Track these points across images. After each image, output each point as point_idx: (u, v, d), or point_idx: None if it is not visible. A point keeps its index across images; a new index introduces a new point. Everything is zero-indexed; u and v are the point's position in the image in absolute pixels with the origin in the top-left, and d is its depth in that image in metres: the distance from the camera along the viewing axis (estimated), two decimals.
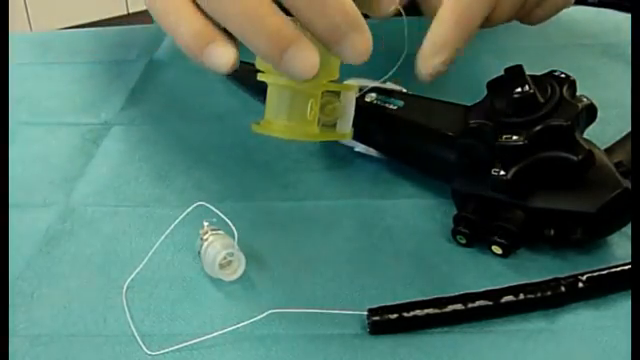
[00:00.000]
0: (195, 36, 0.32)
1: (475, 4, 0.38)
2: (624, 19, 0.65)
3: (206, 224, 0.39)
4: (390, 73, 0.42)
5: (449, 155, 0.42)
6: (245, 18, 0.30)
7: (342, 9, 0.30)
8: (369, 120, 0.45)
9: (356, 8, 0.31)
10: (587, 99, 0.39)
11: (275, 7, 0.31)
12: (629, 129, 0.41)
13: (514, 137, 0.37)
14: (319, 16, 0.30)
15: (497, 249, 0.39)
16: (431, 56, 0.39)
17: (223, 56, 0.32)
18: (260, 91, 0.44)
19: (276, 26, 0.30)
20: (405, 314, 0.35)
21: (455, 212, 0.40)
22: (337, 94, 0.43)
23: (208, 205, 0.40)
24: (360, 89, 0.43)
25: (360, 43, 0.31)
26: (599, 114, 0.40)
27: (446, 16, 0.38)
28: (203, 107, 0.56)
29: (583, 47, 0.62)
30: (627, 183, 0.37)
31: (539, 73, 0.40)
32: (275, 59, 0.31)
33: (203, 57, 0.32)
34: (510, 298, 0.35)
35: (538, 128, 0.37)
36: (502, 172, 0.37)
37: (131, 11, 2.37)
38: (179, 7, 0.32)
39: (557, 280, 0.36)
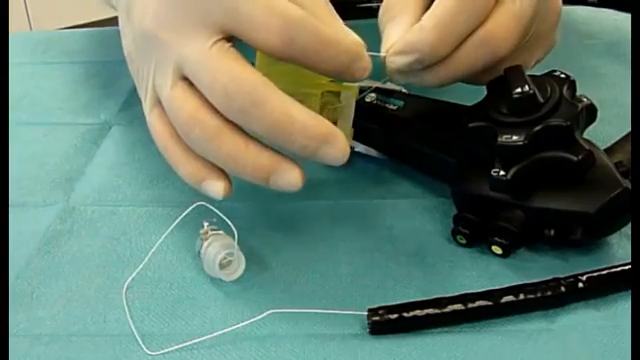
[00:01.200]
0: (190, 176, 0.37)
1: (459, 13, 0.37)
2: (624, 19, 0.65)
3: (206, 224, 0.39)
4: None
5: (449, 155, 0.42)
6: (227, 159, 0.35)
7: (305, 132, 0.34)
8: (369, 120, 0.45)
9: (321, 119, 0.34)
10: (587, 99, 0.39)
11: (250, 140, 0.35)
12: (629, 129, 0.41)
13: (514, 137, 0.37)
14: (287, 143, 0.34)
15: (497, 249, 0.39)
16: (397, 54, 0.39)
17: (215, 190, 0.37)
18: None
19: (254, 160, 0.35)
20: (405, 314, 0.35)
21: (455, 212, 0.40)
22: (337, 94, 0.43)
23: (208, 205, 0.40)
24: (360, 89, 0.43)
25: (333, 153, 0.34)
26: (599, 114, 0.40)
27: (426, 19, 0.38)
28: None
29: (583, 47, 0.61)
30: (627, 183, 0.37)
31: (539, 73, 0.40)
32: (263, 185, 0.36)
33: (201, 190, 0.38)
34: (510, 298, 0.35)
35: (538, 128, 0.37)
36: (502, 172, 0.37)
37: None
38: (174, 151, 0.37)
39: (557, 280, 0.36)
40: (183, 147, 0.37)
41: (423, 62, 0.38)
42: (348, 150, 0.35)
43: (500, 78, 0.39)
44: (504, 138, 0.37)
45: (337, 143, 0.34)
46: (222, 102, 0.34)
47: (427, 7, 0.39)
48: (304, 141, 0.34)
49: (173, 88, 0.36)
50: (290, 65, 0.41)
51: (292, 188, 0.36)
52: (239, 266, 0.38)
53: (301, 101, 0.41)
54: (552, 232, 0.38)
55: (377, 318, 0.35)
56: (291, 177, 0.35)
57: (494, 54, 0.39)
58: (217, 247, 0.38)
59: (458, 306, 0.35)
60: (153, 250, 0.40)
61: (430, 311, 0.35)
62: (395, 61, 0.39)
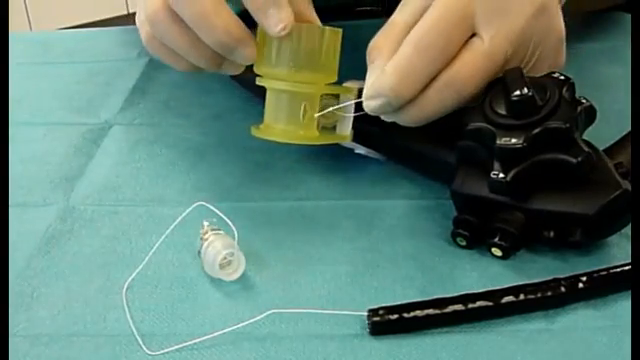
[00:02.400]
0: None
1: (416, 59, 0.38)
2: (624, 19, 0.65)
3: (206, 224, 0.39)
4: None
5: (448, 157, 0.42)
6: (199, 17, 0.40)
7: (228, 29, 0.40)
8: (369, 122, 0.45)
9: (242, 26, 0.40)
10: (586, 100, 0.39)
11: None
12: (629, 129, 0.42)
13: (513, 140, 0.37)
14: (209, 34, 0.40)
15: (497, 251, 0.39)
16: (368, 99, 0.40)
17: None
18: (260, 90, 0.44)
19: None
20: (405, 315, 0.35)
21: (455, 213, 0.40)
22: (336, 96, 0.43)
23: (208, 205, 0.40)
24: (359, 91, 0.43)
25: (245, 53, 0.41)
26: (599, 115, 0.40)
27: (388, 65, 0.39)
28: (203, 107, 0.56)
29: (583, 48, 0.62)
30: (626, 184, 0.37)
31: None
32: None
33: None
34: (510, 298, 0.35)
35: (537, 130, 0.37)
36: (501, 174, 0.37)
37: (131, 11, 2.37)
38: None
39: (557, 280, 0.36)
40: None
41: (392, 105, 0.40)
42: (254, 55, 0.41)
43: (499, 80, 0.39)
44: (503, 140, 0.37)
45: (247, 47, 0.41)
46: None
47: None
48: (224, 37, 0.40)
49: None
50: (289, 68, 0.41)
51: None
52: (239, 266, 0.38)
53: (300, 103, 0.42)
54: (552, 234, 0.38)
55: (377, 318, 0.35)
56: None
57: (459, 95, 0.39)
58: (217, 247, 0.38)
59: (458, 306, 0.35)
60: (153, 250, 0.40)
61: (430, 312, 0.35)
62: (369, 105, 0.40)
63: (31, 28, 2.26)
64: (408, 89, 0.39)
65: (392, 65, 0.39)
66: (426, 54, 0.38)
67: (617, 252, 0.39)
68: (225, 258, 0.38)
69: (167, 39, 0.43)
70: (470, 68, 0.39)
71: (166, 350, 0.34)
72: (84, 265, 0.40)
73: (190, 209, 0.40)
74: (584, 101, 0.39)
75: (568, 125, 0.37)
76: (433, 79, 0.39)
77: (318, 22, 0.44)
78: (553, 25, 0.42)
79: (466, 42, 0.39)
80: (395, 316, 0.35)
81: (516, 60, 0.41)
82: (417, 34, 0.39)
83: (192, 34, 0.41)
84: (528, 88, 0.37)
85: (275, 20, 0.39)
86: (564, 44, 0.43)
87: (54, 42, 0.68)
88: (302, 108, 0.42)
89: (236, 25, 0.41)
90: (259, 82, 0.43)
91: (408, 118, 0.41)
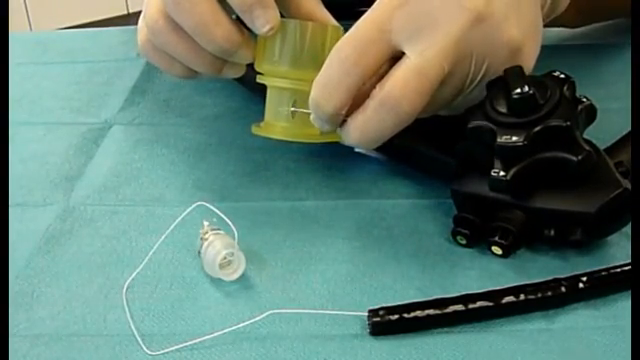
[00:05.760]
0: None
1: (332, 71, 0.39)
2: (624, 19, 0.65)
3: (206, 224, 0.39)
4: None
5: (449, 156, 0.42)
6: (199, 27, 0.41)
7: (226, 36, 0.41)
8: None
9: (239, 30, 0.41)
10: (587, 99, 0.39)
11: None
12: (629, 128, 0.42)
13: (513, 138, 0.37)
14: (209, 46, 0.42)
15: (497, 250, 0.39)
16: (311, 108, 0.40)
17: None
18: (260, 89, 0.44)
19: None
20: (405, 315, 0.35)
21: (455, 212, 0.40)
22: None
23: (208, 205, 0.40)
24: None
25: (245, 56, 0.43)
26: (599, 114, 0.40)
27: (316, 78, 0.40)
28: (203, 107, 0.56)
29: (583, 47, 0.62)
30: (627, 183, 0.37)
31: (539, 73, 0.40)
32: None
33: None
34: (510, 298, 0.35)
35: (538, 129, 0.37)
36: (502, 173, 0.37)
37: (131, 11, 2.37)
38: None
39: (557, 280, 0.36)
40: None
41: (320, 118, 0.40)
42: (251, 56, 0.43)
43: (500, 78, 0.39)
44: (503, 139, 0.37)
45: (251, 48, 0.42)
46: None
47: None
48: (225, 45, 0.41)
49: None
50: (290, 66, 0.41)
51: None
52: (239, 266, 0.38)
53: (300, 101, 0.42)
54: (552, 232, 0.38)
55: (378, 319, 0.35)
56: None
57: (397, 114, 0.38)
58: (217, 247, 0.38)
59: (459, 307, 0.35)
60: (153, 250, 0.40)
61: (431, 312, 0.35)
62: (313, 120, 0.41)
63: (31, 28, 2.26)
64: (326, 101, 0.39)
65: (316, 79, 0.39)
66: (341, 67, 0.38)
67: (617, 252, 0.39)
68: (225, 258, 0.38)
69: (167, 47, 0.43)
70: (401, 85, 0.38)
71: (166, 350, 0.34)
72: (84, 265, 0.40)
73: (190, 209, 0.40)
74: (585, 100, 0.39)
75: (569, 123, 0.37)
76: (371, 99, 0.38)
77: (331, 20, 0.44)
78: (499, 35, 0.39)
79: (399, 60, 0.38)
80: (395, 316, 0.35)
81: (459, 75, 0.39)
82: (335, 47, 0.39)
83: (192, 41, 0.42)
84: (529, 86, 0.37)
85: (262, 21, 0.40)
86: (522, 53, 0.40)
87: (54, 42, 0.68)
88: (303, 106, 0.42)
89: (236, 31, 0.41)
90: (260, 80, 0.43)
91: (355, 138, 0.40)
